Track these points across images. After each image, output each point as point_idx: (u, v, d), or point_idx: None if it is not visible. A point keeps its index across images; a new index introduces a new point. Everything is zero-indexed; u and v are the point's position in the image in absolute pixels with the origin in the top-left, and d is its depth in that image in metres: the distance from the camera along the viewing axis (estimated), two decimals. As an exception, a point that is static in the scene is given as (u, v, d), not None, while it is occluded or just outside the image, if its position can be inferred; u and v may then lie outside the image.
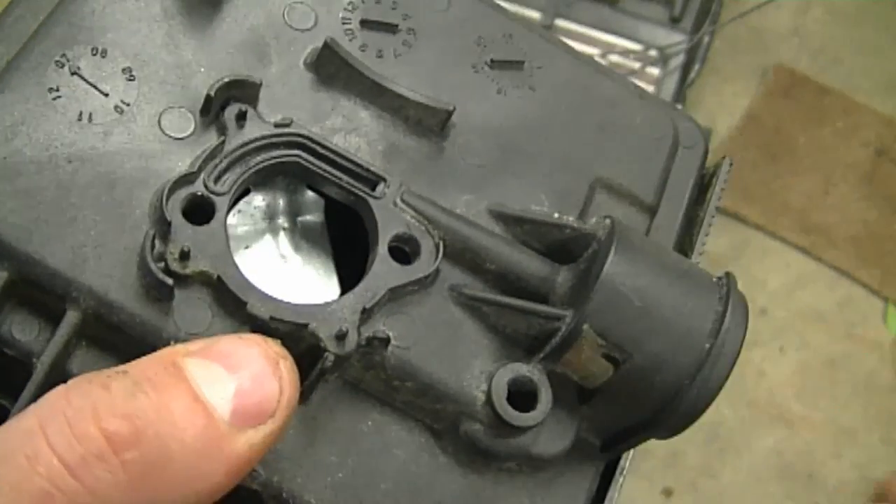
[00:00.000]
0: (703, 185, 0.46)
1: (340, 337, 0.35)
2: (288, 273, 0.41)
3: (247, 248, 0.40)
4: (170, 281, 0.34)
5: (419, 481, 0.36)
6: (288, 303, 0.35)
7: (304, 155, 0.38)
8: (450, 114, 0.40)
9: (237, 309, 0.35)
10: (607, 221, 0.39)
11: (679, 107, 0.47)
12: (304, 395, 0.36)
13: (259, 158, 0.38)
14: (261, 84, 0.39)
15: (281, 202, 0.41)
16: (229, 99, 0.38)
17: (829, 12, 2.67)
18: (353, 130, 0.40)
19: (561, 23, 1.77)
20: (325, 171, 0.38)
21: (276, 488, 0.34)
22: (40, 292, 0.34)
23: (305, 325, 0.35)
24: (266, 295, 0.35)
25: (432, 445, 0.37)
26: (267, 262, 0.41)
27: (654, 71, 1.75)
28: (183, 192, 0.36)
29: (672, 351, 0.36)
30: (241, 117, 0.38)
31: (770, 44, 2.57)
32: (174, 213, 0.35)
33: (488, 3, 0.45)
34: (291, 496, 0.34)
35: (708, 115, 2.33)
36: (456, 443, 0.37)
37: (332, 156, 0.38)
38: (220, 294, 0.35)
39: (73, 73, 0.37)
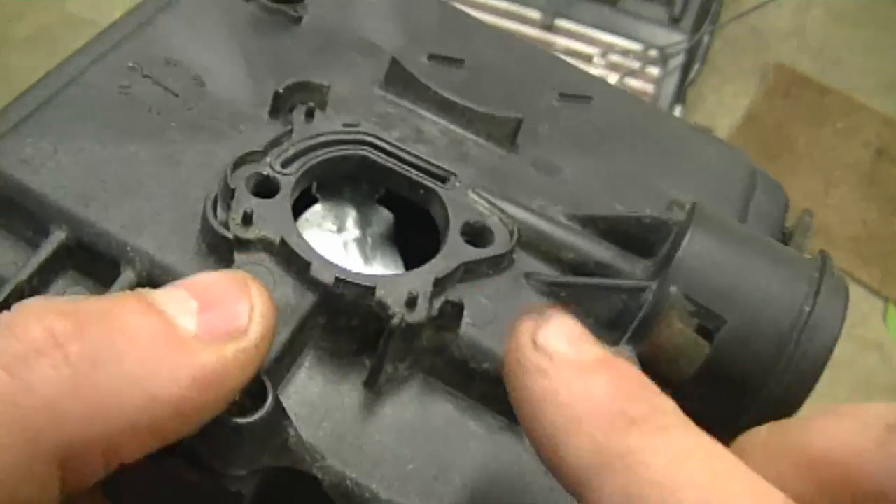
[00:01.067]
0: (784, 239, 0.45)
1: (411, 303, 0.33)
2: None
3: None
4: (230, 235, 0.33)
5: (495, 476, 0.33)
6: (352, 270, 0.34)
7: (373, 151, 0.38)
8: (519, 122, 0.40)
9: (300, 273, 0.34)
10: (688, 205, 0.37)
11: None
12: (372, 377, 0.34)
13: (326, 150, 0.38)
14: (329, 88, 0.39)
15: (350, 214, 0.41)
16: (296, 103, 0.39)
17: (829, 12, 2.67)
18: (420, 140, 0.39)
19: (561, 23, 1.77)
20: (393, 164, 0.38)
21: (339, 475, 0.32)
22: (95, 257, 0.34)
23: (373, 290, 0.33)
24: (329, 261, 0.34)
25: (510, 439, 0.34)
26: None
27: (654, 71, 1.75)
28: (248, 169, 0.36)
29: (769, 311, 0.32)
30: (310, 114, 0.38)
31: (770, 44, 2.57)
32: (238, 183, 0.35)
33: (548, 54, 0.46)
34: (356, 484, 0.32)
35: (708, 115, 2.33)
36: None
37: (400, 153, 0.38)
38: (282, 259, 0.34)
39: (144, 76, 0.38)
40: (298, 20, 0.42)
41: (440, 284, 0.34)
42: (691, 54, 1.80)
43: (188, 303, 0.28)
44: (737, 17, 1.97)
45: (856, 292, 2.11)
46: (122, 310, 0.27)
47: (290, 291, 0.33)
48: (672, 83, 1.74)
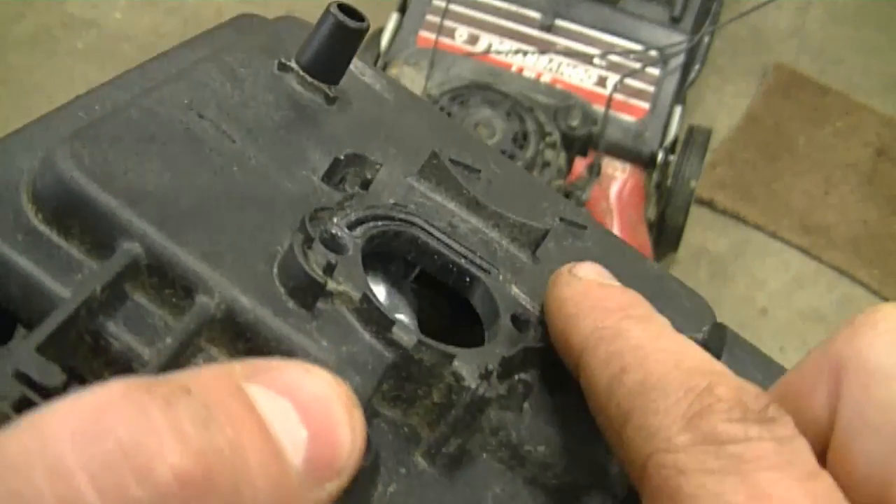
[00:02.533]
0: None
1: (486, 376, 0.33)
2: None
3: None
4: (321, 279, 0.32)
5: None
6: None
7: (424, 232, 0.39)
8: (546, 233, 0.42)
9: (379, 332, 0.33)
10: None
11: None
12: (435, 448, 0.33)
13: (383, 222, 0.38)
14: (380, 167, 0.40)
15: (380, 291, 0.41)
16: (348, 173, 0.39)
17: (829, 12, 2.67)
18: (455, 235, 0.40)
19: (561, 23, 1.77)
20: (444, 248, 0.39)
21: None
22: (169, 281, 0.31)
23: (452, 358, 0.33)
24: (408, 324, 0.34)
25: None
26: None
27: (654, 71, 1.75)
28: (318, 224, 0.35)
29: None
30: (364, 186, 0.39)
31: (770, 44, 2.57)
32: (315, 234, 0.34)
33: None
34: None
35: (708, 115, 2.33)
36: None
37: (448, 240, 0.39)
38: (362, 315, 0.33)
39: (200, 116, 0.38)
40: (333, 100, 0.42)
41: (507, 364, 0.35)
42: (691, 54, 1.80)
43: (299, 431, 0.24)
44: (737, 17, 1.97)
45: (855, 292, 2.11)
46: (248, 445, 0.22)
47: (366, 350, 0.32)
48: (672, 83, 1.75)
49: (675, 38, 1.77)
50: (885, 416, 0.27)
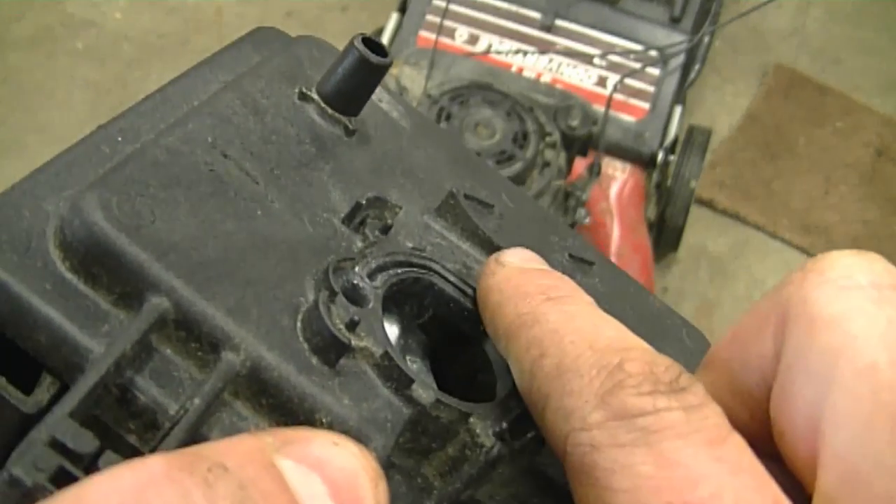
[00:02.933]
0: None
1: (501, 434, 0.34)
2: None
3: None
4: (346, 339, 0.32)
5: None
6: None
7: (439, 278, 0.39)
8: None
9: (398, 389, 0.33)
10: None
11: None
12: (448, 502, 0.34)
13: (402, 269, 0.38)
14: (400, 210, 0.40)
15: (393, 333, 0.41)
16: (368, 215, 0.40)
17: (829, 12, 2.67)
18: (469, 276, 0.40)
19: (561, 23, 1.77)
20: (460, 293, 0.39)
21: None
22: (195, 337, 0.32)
23: (468, 416, 0.34)
24: (426, 381, 0.34)
25: None
26: None
27: (654, 71, 1.75)
28: (341, 275, 0.36)
29: None
30: (384, 231, 0.39)
31: (770, 44, 2.57)
32: (338, 287, 0.34)
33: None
34: None
35: (708, 115, 2.33)
36: None
37: (462, 286, 0.40)
38: (382, 371, 0.33)
39: (224, 156, 0.38)
40: (352, 133, 0.42)
41: (522, 421, 0.34)
42: (691, 55, 1.80)
43: None
44: (737, 17, 1.97)
45: (856, 292, 2.11)
46: None
47: (386, 406, 0.33)
48: (672, 83, 1.75)
49: (675, 38, 1.77)
50: (822, 362, 0.27)
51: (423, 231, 0.41)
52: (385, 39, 1.77)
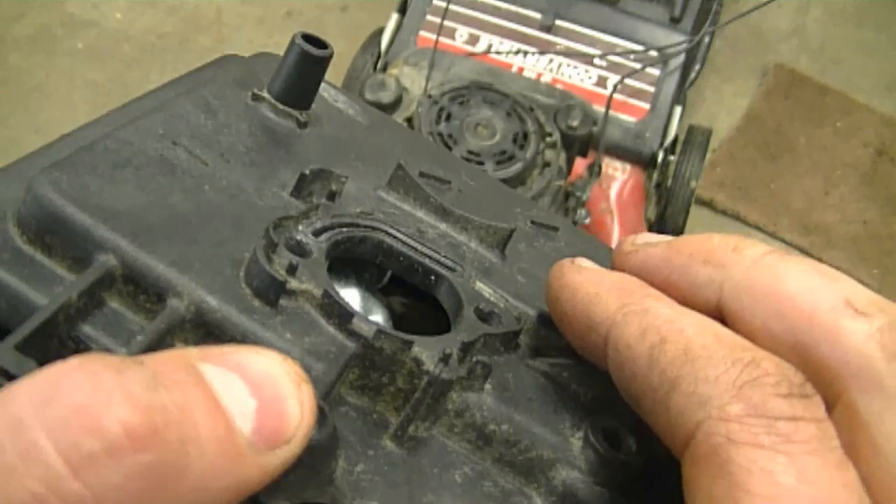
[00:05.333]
0: None
1: (445, 360, 0.35)
2: None
3: None
4: (283, 278, 0.34)
5: None
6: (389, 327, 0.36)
7: (388, 237, 0.41)
8: (512, 232, 0.44)
9: (340, 325, 0.35)
10: None
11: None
12: (401, 430, 0.35)
13: (348, 229, 0.40)
14: (347, 179, 0.42)
15: (354, 298, 0.43)
16: (315, 188, 0.42)
17: (829, 12, 2.67)
18: (423, 239, 0.43)
19: (561, 23, 1.77)
20: (408, 251, 0.41)
21: None
22: (142, 288, 0.34)
23: (410, 344, 0.35)
24: (366, 317, 0.36)
25: (523, 501, 0.36)
26: None
27: (654, 71, 1.75)
28: (283, 232, 0.37)
29: None
30: (331, 197, 0.41)
31: (770, 44, 2.57)
32: (279, 240, 0.36)
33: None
34: None
35: (708, 115, 2.33)
36: (550, 498, 0.36)
37: (412, 242, 0.42)
38: (324, 310, 0.35)
39: (174, 143, 0.40)
40: (304, 125, 0.45)
41: (466, 349, 0.36)
42: (691, 55, 1.80)
43: (247, 402, 0.26)
44: (737, 17, 1.97)
45: (856, 292, 2.11)
46: (195, 409, 0.24)
47: (329, 341, 0.34)
48: (672, 84, 1.75)
49: (675, 39, 1.77)
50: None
51: (374, 202, 0.43)
52: (385, 39, 1.78)
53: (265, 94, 0.45)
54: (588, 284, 0.36)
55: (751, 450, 0.27)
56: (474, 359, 0.36)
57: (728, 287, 0.33)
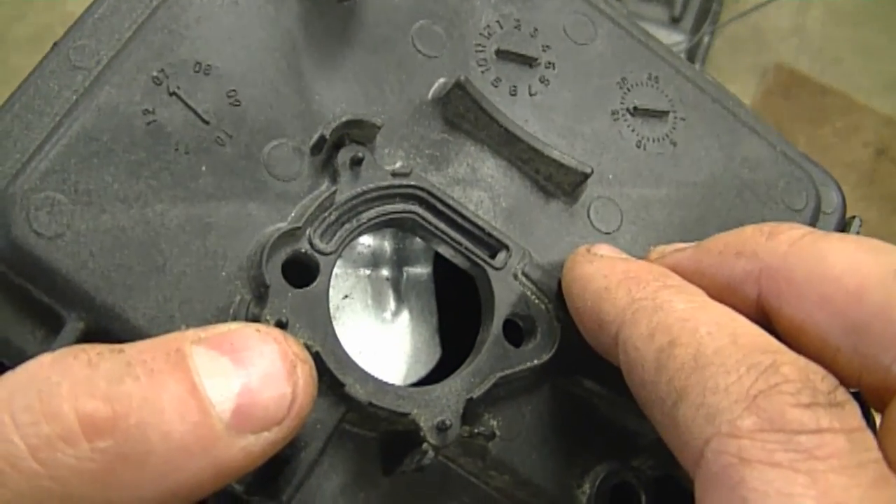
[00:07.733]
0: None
1: (442, 429, 0.32)
2: (389, 329, 0.38)
3: (346, 297, 0.37)
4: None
5: None
6: (389, 385, 0.33)
7: (422, 211, 0.35)
8: (586, 176, 0.37)
9: (333, 385, 0.32)
10: None
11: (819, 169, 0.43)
12: (388, 471, 0.34)
13: (372, 213, 0.34)
14: (381, 126, 0.35)
15: (388, 249, 0.38)
16: (343, 138, 0.35)
17: (829, 12, 2.67)
18: (476, 182, 0.36)
19: (561, 23, 1.77)
20: (442, 232, 0.35)
21: None
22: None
23: (406, 415, 0.33)
24: (365, 373, 0.33)
25: None
26: (368, 316, 0.37)
27: (654, 71, 1.75)
28: (285, 250, 0.33)
29: None
30: (357, 163, 0.34)
31: (770, 44, 2.57)
32: (273, 274, 0.32)
33: (636, 38, 0.41)
34: None
35: (708, 115, 2.33)
36: None
37: (451, 214, 0.35)
38: (317, 367, 0.31)
39: (171, 94, 0.33)
40: (347, 21, 0.37)
41: (472, 408, 0.34)
42: (691, 54, 1.80)
43: (230, 384, 0.26)
44: (737, 17, 1.97)
45: (856, 292, 2.11)
46: (162, 394, 0.25)
47: (322, 399, 0.32)
48: (672, 83, 1.75)
49: (675, 38, 1.77)
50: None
51: (424, 127, 0.36)
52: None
53: None
54: (598, 277, 0.32)
55: (766, 469, 0.23)
56: (476, 430, 0.34)
57: (766, 278, 0.29)
